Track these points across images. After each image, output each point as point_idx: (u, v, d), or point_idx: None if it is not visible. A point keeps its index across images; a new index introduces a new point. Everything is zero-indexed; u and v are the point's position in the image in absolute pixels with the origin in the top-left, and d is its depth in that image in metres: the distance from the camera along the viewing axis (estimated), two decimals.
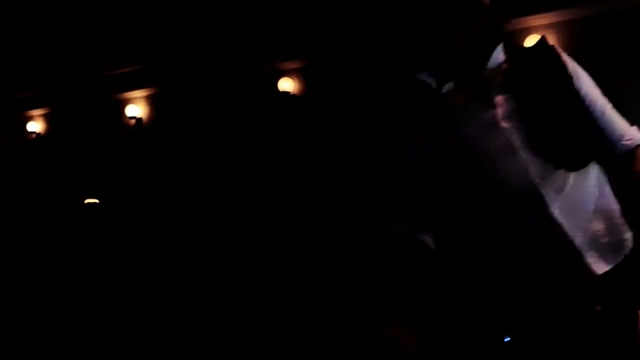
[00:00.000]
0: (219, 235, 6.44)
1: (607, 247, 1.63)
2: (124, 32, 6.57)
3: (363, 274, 4.59)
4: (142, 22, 6.28)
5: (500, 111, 1.61)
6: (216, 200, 7.41)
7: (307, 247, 5.57)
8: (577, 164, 1.61)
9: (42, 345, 4.42)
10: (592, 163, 1.65)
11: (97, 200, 8.17)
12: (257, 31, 6.61)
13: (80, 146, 9.18)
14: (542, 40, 1.69)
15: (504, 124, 1.60)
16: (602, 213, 1.65)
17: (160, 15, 6.08)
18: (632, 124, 1.74)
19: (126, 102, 8.82)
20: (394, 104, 1.78)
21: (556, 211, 1.58)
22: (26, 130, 10.01)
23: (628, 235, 1.68)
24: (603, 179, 1.69)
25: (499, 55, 1.65)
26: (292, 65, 7.38)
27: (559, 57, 1.66)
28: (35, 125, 10.03)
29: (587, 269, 1.59)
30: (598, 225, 1.63)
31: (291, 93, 7.39)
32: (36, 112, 10.00)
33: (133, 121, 8.72)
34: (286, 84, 7.33)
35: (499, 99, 1.62)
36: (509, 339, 1.61)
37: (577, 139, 1.61)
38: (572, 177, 1.61)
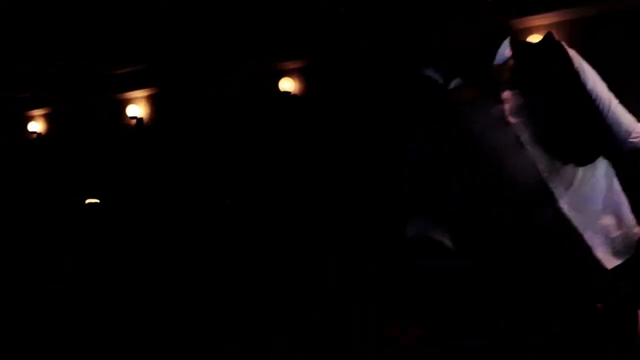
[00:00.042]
0: (219, 235, 6.45)
1: (617, 241, 1.64)
2: (124, 32, 6.58)
3: (363, 274, 4.61)
4: (143, 23, 6.28)
5: (507, 107, 1.61)
6: (216, 200, 7.41)
7: (307, 247, 5.57)
8: (585, 159, 1.61)
9: (42, 345, 4.42)
10: (600, 158, 1.65)
11: (98, 200, 8.17)
12: (257, 31, 6.61)
13: (81, 146, 9.19)
14: (549, 36, 1.69)
15: (512, 120, 1.60)
16: (612, 207, 1.65)
17: (160, 15, 6.08)
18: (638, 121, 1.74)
19: (127, 102, 8.83)
20: (394, 104, 1.78)
21: (565, 206, 1.58)
22: (27, 130, 10.02)
23: (638, 230, 1.68)
24: (611, 173, 1.69)
25: (505, 51, 1.65)
26: (292, 65, 7.38)
27: (565, 52, 1.66)
28: (36, 125, 10.04)
29: (597, 263, 1.60)
30: (608, 220, 1.63)
31: (292, 93, 7.39)
32: (37, 112, 10.01)
33: (134, 121, 8.73)
34: (287, 84, 7.34)
35: (506, 94, 1.62)
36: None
37: (583, 134, 1.61)
38: (580, 172, 1.61)
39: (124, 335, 4.49)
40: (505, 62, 1.64)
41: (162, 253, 6.02)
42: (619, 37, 5.32)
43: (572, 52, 1.67)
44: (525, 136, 1.59)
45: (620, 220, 1.66)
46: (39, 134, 10.05)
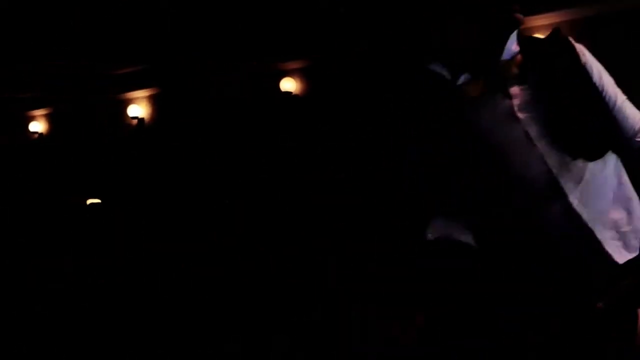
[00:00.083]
0: (219, 235, 6.45)
1: (628, 235, 1.64)
2: (125, 32, 6.58)
3: (363, 274, 4.61)
4: (143, 23, 6.28)
5: (516, 102, 1.61)
6: (216, 200, 7.41)
7: (307, 247, 5.57)
8: (593, 155, 1.61)
9: (42, 345, 4.42)
10: (609, 152, 1.65)
11: (99, 201, 8.18)
12: (257, 31, 6.61)
13: (82, 146, 9.19)
14: (556, 31, 1.69)
15: (520, 115, 1.60)
16: (622, 202, 1.65)
17: (160, 15, 6.08)
18: None
19: (128, 102, 8.83)
20: (394, 104, 1.78)
21: (575, 201, 1.58)
22: (28, 131, 10.02)
23: None
24: (621, 167, 1.69)
25: (512, 46, 1.65)
26: (292, 65, 7.38)
27: (572, 47, 1.66)
28: (38, 126, 10.05)
29: (608, 258, 1.60)
30: (618, 214, 1.63)
31: (293, 93, 7.39)
32: (38, 112, 10.02)
33: (135, 121, 8.73)
34: (288, 84, 7.34)
35: (514, 89, 1.62)
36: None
37: (591, 130, 1.61)
38: (590, 166, 1.61)
39: (124, 335, 4.49)
40: (513, 57, 1.64)
41: (162, 253, 6.03)
42: (620, 37, 5.32)
43: (580, 47, 1.67)
44: (534, 132, 1.59)
45: (630, 215, 1.66)
46: (40, 134, 10.06)
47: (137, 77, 8.47)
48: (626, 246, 1.63)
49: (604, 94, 1.66)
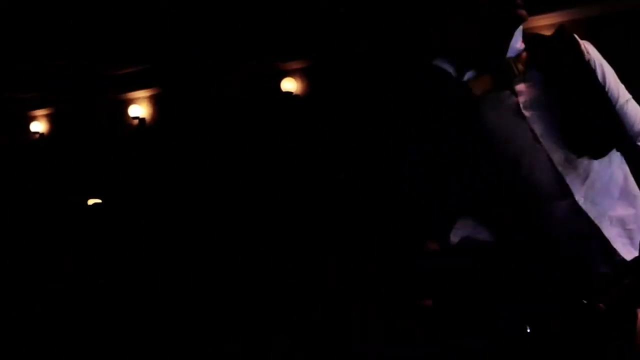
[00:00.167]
0: (219, 235, 6.45)
1: (634, 232, 1.64)
2: (126, 32, 6.58)
3: (363, 274, 4.61)
4: (144, 23, 6.28)
5: (522, 99, 1.61)
6: (216, 200, 7.41)
7: (307, 247, 5.57)
8: (598, 152, 1.61)
9: (42, 345, 4.42)
10: (614, 150, 1.65)
11: (100, 201, 8.18)
12: (257, 31, 6.61)
13: (83, 146, 9.19)
14: (561, 29, 1.69)
15: (526, 113, 1.61)
16: (628, 199, 1.66)
17: (161, 15, 6.08)
18: None
19: (129, 102, 8.83)
20: (394, 104, 1.78)
21: (581, 199, 1.59)
22: (30, 131, 10.02)
23: None
24: (626, 165, 1.69)
25: (517, 44, 1.65)
26: (292, 65, 7.38)
27: (577, 44, 1.66)
28: (39, 126, 10.05)
29: (615, 255, 1.60)
30: (624, 211, 1.64)
31: (294, 93, 7.40)
32: (40, 112, 10.01)
33: (136, 121, 8.73)
34: (289, 84, 7.34)
35: (520, 87, 1.62)
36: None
37: (595, 127, 1.61)
38: (595, 164, 1.61)
39: (124, 335, 4.49)
40: (518, 55, 1.64)
41: (162, 253, 6.02)
42: (622, 37, 5.32)
43: (584, 44, 1.67)
44: (539, 129, 1.60)
45: (636, 212, 1.66)
46: (41, 134, 10.06)
47: (137, 77, 8.47)
48: (633, 243, 1.63)
49: (607, 90, 1.66)
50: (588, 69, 1.64)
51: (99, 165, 8.89)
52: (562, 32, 1.68)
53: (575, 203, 1.59)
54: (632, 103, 1.71)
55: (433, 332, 1.75)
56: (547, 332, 1.60)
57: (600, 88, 1.64)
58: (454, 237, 1.69)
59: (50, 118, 10.04)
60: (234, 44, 6.97)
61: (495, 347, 1.63)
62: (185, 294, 5.22)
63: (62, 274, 5.88)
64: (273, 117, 7.47)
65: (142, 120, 8.74)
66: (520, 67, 1.63)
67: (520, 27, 1.64)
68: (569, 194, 1.59)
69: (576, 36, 1.68)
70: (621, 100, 1.69)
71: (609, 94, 1.66)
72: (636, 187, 1.70)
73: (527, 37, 1.67)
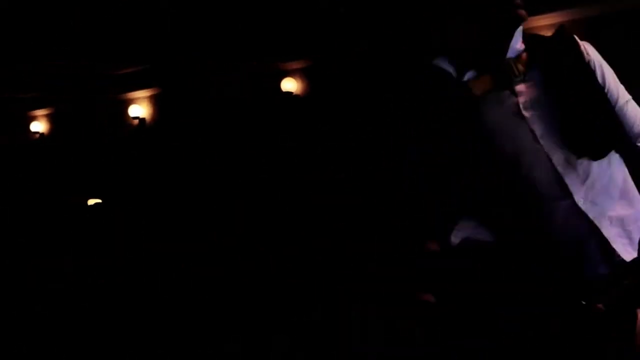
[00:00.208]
0: (219, 235, 6.45)
1: (634, 233, 1.64)
2: (126, 32, 6.58)
3: (363, 274, 4.60)
4: (144, 23, 6.29)
5: (521, 100, 1.62)
6: (216, 200, 7.41)
7: (307, 247, 5.57)
8: (598, 153, 1.61)
9: (42, 345, 4.42)
10: (613, 152, 1.65)
11: (100, 201, 8.18)
12: (257, 31, 6.61)
13: (83, 146, 9.20)
14: (561, 29, 1.69)
15: (526, 113, 1.61)
16: (627, 200, 1.66)
17: (161, 15, 6.08)
18: None
19: (129, 102, 8.83)
20: (394, 104, 1.78)
21: (581, 201, 1.59)
22: (30, 131, 10.03)
23: None
24: (625, 166, 1.69)
25: (517, 44, 1.65)
26: (292, 65, 7.38)
27: (577, 45, 1.66)
28: (39, 126, 10.05)
29: (615, 255, 1.60)
30: (623, 212, 1.64)
31: (294, 93, 7.40)
32: (40, 112, 10.02)
33: (136, 121, 8.73)
34: (289, 84, 7.34)
35: (520, 87, 1.63)
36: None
37: (595, 128, 1.61)
38: (595, 165, 1.61)
39: (124, 335, 4.49)
40: (518, 55, 1.65)
41: (162, 253, 6.02)
42: (622, 37, 5.32)
43: (584, 45, 1.67)
44: (539, 130, 1.60)
45: (635, 213, 1.67)
46: (41, 134, 10.06)
47: (137, 77, 8.47)
48: (632, 244, 1.64)
49: (607, 91, 1.66)
50: (588, 69, 1.64)
51: (99, 165, 8.89)
52: (562, 33, 1.68)
53: (574, 204, 1.59)
54: (632, 104, 1.71)
55: (433, 332, 1.75)
56: (547, 332, 1.60)
57: (599, 89, 1.65)
58: (455, 238, 1.69)
59: (50, 118, 10.04)
60: (234, 44, 6.98)
61: (495, 347, 1.63)
62: (185, 294, 5.22)
63: (62, 274, 5.88)
64: (273, 117, 7.47)
65: (142, 120, 8.74)
66: (520, 67, 1.63)
67: (520, 28, 1.64)
68: (569, 195, 1.59)
69: (576, 37, 1.68)
70: (621, 101, 1.69)
71: (609, 95, 1.66)
72: (635, 188, 1.70)
73: (527, 37, 1.67)
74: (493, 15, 1.59)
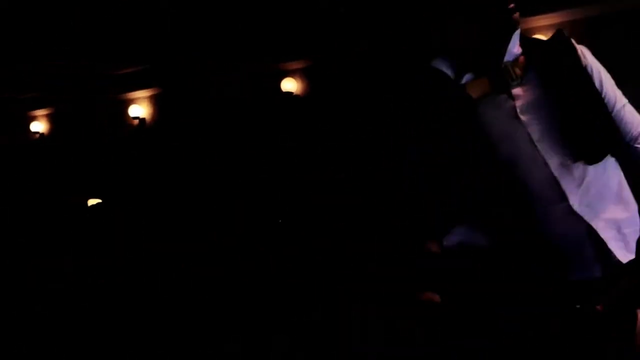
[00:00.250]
0: (219, 235, 6.44)
1: (629, 236, 1.64)
2: (126, 32, 6.58)
3: (363, 274, 4.60)
4: (144, 23, 6.29)
5: (518, 103, 1.62)
6: (216, 200, 7.41)
7: (307, 247, 5.57)
8: (595, 157, 1.61)
9: (42, 345, 4.42)
10: (609, 156, 1.65)
11: (100, 201, 8.17)
12: (257, 31, 6.61)
13: (83, 146, 9.20)
14: (558, 33, 1.69)
15: (522, 117, 1.61)
16: (622, 204, 1.67)
17: (161, 15, 6.08)
18: None
19: (129, 102, 8.83)
20: (394, 104, 1.78)
21: (576, 204, 1.59)
22: (30, 131, 10.03)
23: None
24: (620, 170, 1.70)
25: (514, 48, 1.65)
26: (293, 65, 7.38)
27: (574, 49, 1.66)
28: (39, 126, 10.05)
29: (612, 257, 1.60)
30: (619, 215, 1.64)
31: (294, 93, 7.40)
32: (40, 112, 10.02)
33: (136, 121, 8.74)
34: (289, 84, 7.34)
35: (517, 91, 1.63)
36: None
37: (592, 131, 1.61)
38: (591, 169, 1.61)
39: (124, 335, 4.49)
40: (516, 59, 1.65)
41: (162, 253, 6.02)
42: (622, 37, 5.32)
43: (582, 49, 1.68)
44: (535, 133, 1.60)
45: (630, 216, 1.67)
46: (41, 134, 10.06)
47: (137, 77, 8.47)
48: (627, 247, 1.64)
49: (604, 96, 1.66)
50: (585, 73, 1.65)
51: (99, 165, 8.89)
52: (559, 37, 1.69)
53: (570, 207, 1.59)
54: (629, 107, 1.72)
55: (433, 332, 1.75)
56: (547, 332, 1.60)
57: (596, 93, 1.65)
58: (448, 242, 1.70)
59: (50, 118, 10.04)
60: (234, 44, 6.97)
61: (495, 347, 1.63)
62: (185, 294, 5.22)
63: (62, 274, 5.88)
64: (273, 117, 7.47)
65: (142, 120, 8.74)
66: (517, 71, 1.63)
67: (518, 31, 1.64)
68: (565, 198, 1.59)
69: (573, 41, 1.68)
70: (618, 105, 1.69)
71: (606, 99, 1.67)
72: (630, 192, 1.70)
73: (525, 41, 1.68)
74: (493, 16, 1.59)
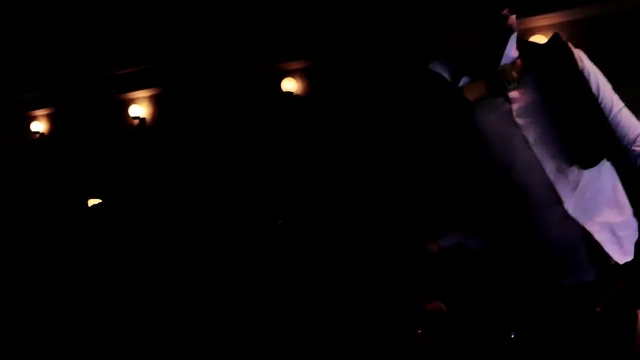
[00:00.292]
0: (219, 235, 6.44)
1: (623, 239, 1.64)
2: (126, 32, 6.58)
3: (363, 274, 4.61)
4: (144, 23, 6.28)
5: (515, 107, 1.62)
6: (216, 200, 7.41)
7: (307, 247, 5.57)
8: (590, 161, 1.62)
9: (42, 345, 4.42)
10: (604, 160, 1.65)
11: (100, 201, 8.17)
12: (257, 31, 6.61)
13: (83, 146, 9.19)
14: (555, 37, 1.69)
15: (519, 120, 1.61)
16: (617, 208, 1.67)
17: (161, 15, 6.08)
18: None
19: (129, 102, 8.83)
20: (394, 104, 1.78)
21: (570, 208, 1.59)
22: (30, 130, 10.02)
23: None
24: (615, 174, 1.70)
25: (512, 51, 1.65)
26: (293, 65, 7.38)
27: (571, 53, 1.66)
28: (39, 125, 10.05)
29: (608, 258, 1.60)
30: (613, 219, 1.64)
31: (294, 93, 7.40)
32: (40, 112, 10.01)
33: (136, 121, 8.73)
34: (289, 84, 7.34)
35: (514, 94, 1.63)
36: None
37: (588, 135, 1.61)
38: (586, 173, 1.62)
39: (124, 335, 4.49)
40: (513, 62, 1.65)
41: (162, 253, 6.02)
42: (622, 37, 5.31)
43: (578, 53, 1.68)
44: (532, 137, 1.60)
45: (625, 220, 1.67)
46: (42, 134, 10.06)
47: (138, 77, 8.47)
48: (623, 249, 1.64)
49: (600, 100, 1.66)
50: (581, 77, 1.65)
51: (99, 165, 8.89)
52: (556, 41, 1.69)
53: (564, 211, 1.59)
54: (625, 111, 1.72)
55: (433, 332, 1.75)
56: (547, 332, 1.60)
57: (593, 97, 1.65)
58: (447, 243, 1.70)
59: (50, 118, 10.04)
60: (234, 44, 6.97)
61: (495, 347, 1.63)
62: (185, 294, 5.22)
63: (62, 274, 5.88)
64: (273, 117, 7.47)
65: (142, 120, 8.74)
66: (514, 74, 1.63)
67: (515, 35, 1.65)
68: (560, 202, 1.59)
69: (570, 45, 1.68)
70: (614, 109, 1.69)
71: (603, 103, 1.67)
72: (625, 196, 1.71)
73: (522, 44, 1.68)
74: (493, 16, 1.59)
